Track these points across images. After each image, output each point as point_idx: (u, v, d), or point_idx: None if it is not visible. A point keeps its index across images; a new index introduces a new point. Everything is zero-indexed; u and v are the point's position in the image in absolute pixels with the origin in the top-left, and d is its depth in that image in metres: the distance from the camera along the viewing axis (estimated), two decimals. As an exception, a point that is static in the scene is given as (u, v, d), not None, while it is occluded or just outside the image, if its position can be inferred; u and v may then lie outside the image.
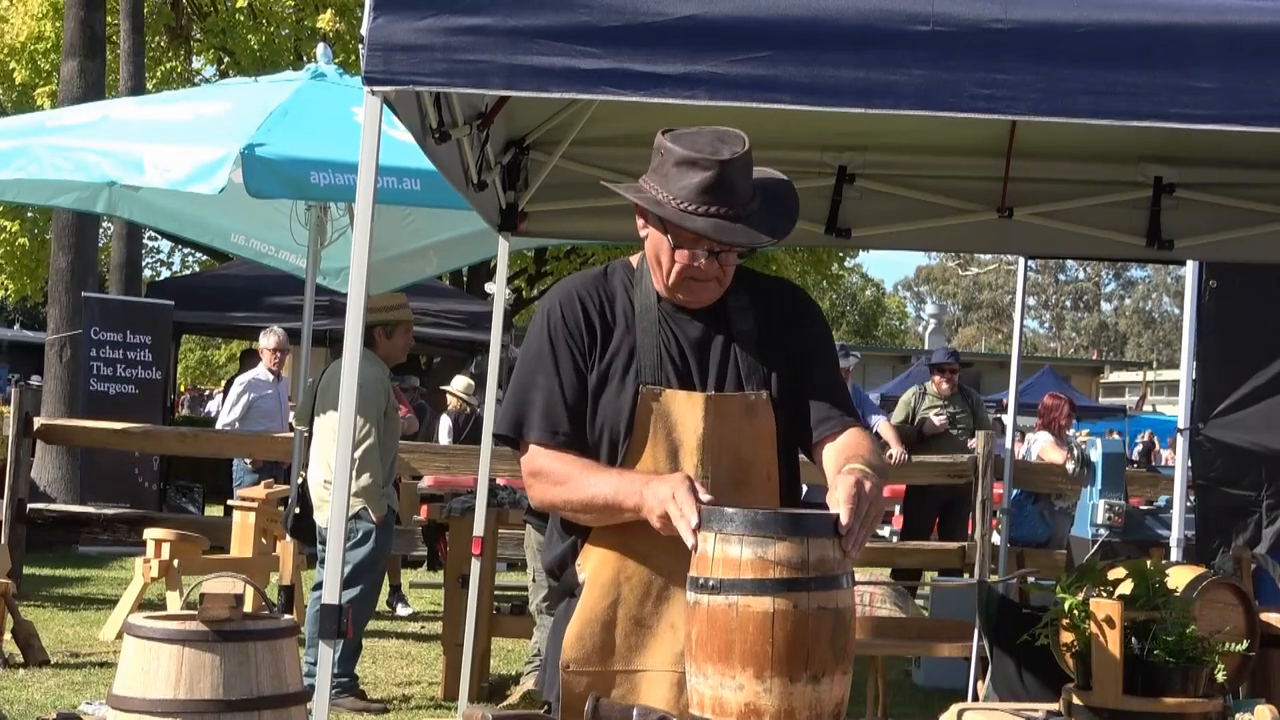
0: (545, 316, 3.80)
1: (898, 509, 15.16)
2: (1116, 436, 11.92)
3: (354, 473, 8.70)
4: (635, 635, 3.66)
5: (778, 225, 3.73)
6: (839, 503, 3.31)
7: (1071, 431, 13.13)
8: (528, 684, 8.15)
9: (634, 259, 3.90)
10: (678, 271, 3.68)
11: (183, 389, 38.46)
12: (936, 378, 14.00)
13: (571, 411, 3.71)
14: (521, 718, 3.32)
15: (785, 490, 3.81)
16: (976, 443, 12.19)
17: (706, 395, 3.70)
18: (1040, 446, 12.96)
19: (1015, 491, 11.81)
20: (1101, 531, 10.22)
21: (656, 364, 3.71)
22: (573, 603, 3.72)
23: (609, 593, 3.67)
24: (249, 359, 22.09)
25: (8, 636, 9.57)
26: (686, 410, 3.68)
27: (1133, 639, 3.64)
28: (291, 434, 10.31)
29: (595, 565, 3.69)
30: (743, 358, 3.77)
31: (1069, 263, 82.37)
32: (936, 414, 13.65)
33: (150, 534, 10.85)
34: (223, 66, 28.58)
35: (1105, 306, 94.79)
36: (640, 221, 3.78)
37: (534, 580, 8.63)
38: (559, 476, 3.69)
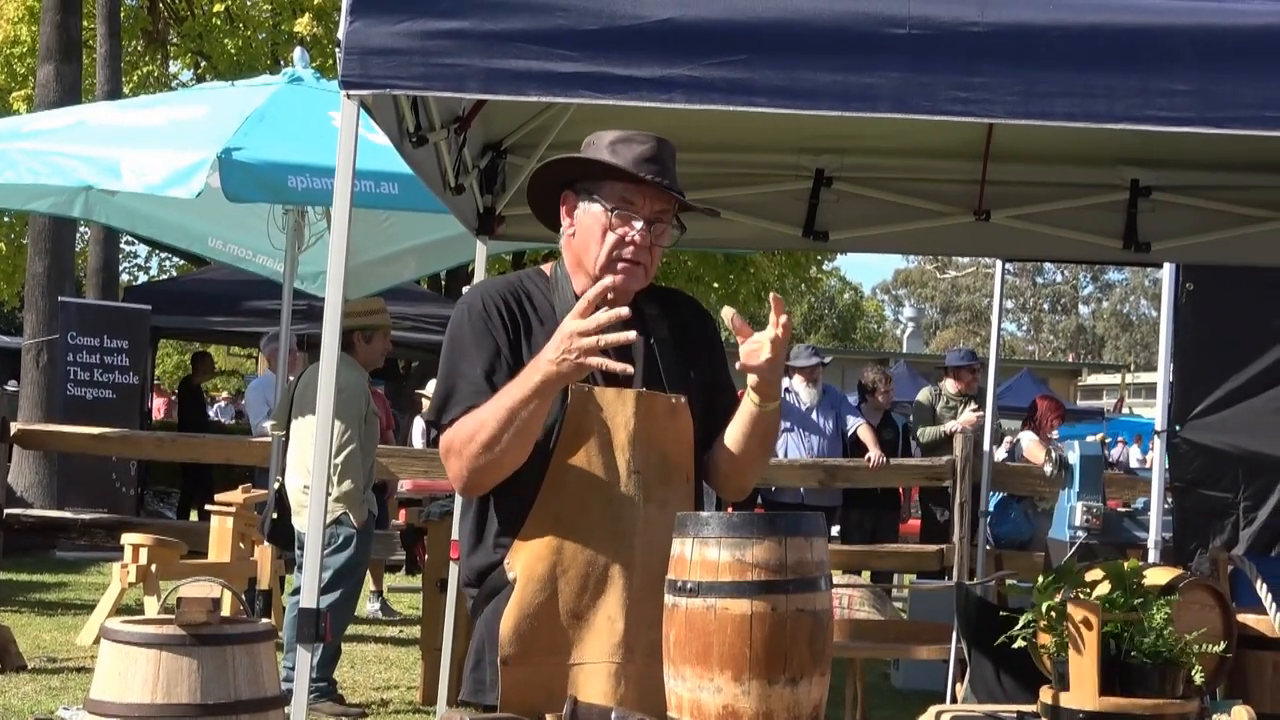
0: (466, 311, 3.82)
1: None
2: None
3: (335, 478, 8.70)
4: (573, 628, 3.67)
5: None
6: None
7: (1054, 435, 13.12)
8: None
9: (546, 267, 3.94)
10: (613, 244, 3.72)
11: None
12: (952, 381, 13.88)
13: (496, 391, 3.67)
14: (499, 721, 3.32)
15: (697, 494, 3.89)
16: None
17: (637, 392, 3.74)
18: (1025, 447, 12.98)
19: (998, 493, 11.84)
20: (1079, 534, 10.23)
21: None
22: (501, 602, 3.71)
23: (545, 587, 3.67)
24: (201, 362, 22.12)
25: (-16, 642, 9.54)
26: (617, 406, 3.72)
27: (1110, 640, 3.64)
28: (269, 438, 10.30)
29: (528, 561, 3.68)
30: (663, 362, 3.83)
31: (1046, 266, 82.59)
32: (973, 409, 13.38)
33: (128, 539, 10.81)
34: (199, 71, 28.52)
35: (1083, 309, 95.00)
36: (566, 220, 3.83)
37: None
38: (469, 429, 3.64)
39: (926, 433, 13.69)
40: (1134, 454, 28.72)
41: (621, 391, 3.72)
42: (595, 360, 3.47)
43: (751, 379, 3.70)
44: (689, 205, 3.83)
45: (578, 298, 3.71)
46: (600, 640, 3.66)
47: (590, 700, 3.56)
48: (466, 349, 3.76)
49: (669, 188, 3.74)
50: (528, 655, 3.65)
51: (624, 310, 3.49)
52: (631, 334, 3.47)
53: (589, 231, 3.76)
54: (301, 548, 8.66)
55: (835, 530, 14.15)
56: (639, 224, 3.73)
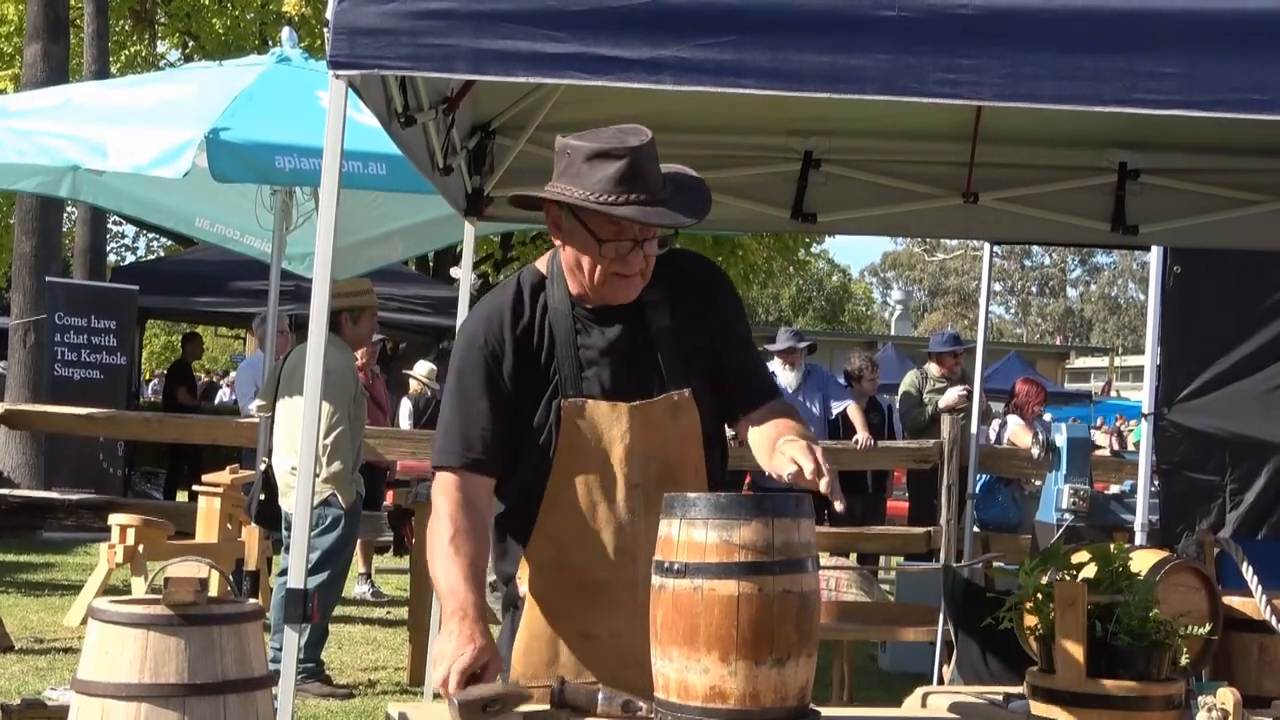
0: (466, 341, 3.79)
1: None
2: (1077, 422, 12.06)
3: (324, 459, 8.70)
4: (581, 646, 3.70)
5: (695, 206, 3.72)
6: (792, 461, 3.38)
7: (1048, 418, 13.13)
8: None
9: (541, 264, 3.87)
10: (603, 270, 3.67)
11: (147, 375, 38.18)
12: (937, 365, 13.83)
13: (487, 434, 3.67)
14: (483, 700, 3.32)
15: (715, 482, 3.82)
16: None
17: (630, 405, 3.70)
18: (1011, 430, 12.99)
19: (986, 476, 11.85)
20: (1066, 516, 10.26)
21: (576, 375, 3.71)
22: (517, 614, 3.74)
23: (551, 608, 3.71)
24: (191, 342, 22.07)
25: (-29, 623, 9.54)
26: (611, 422, 3.69)
27: (1096, 622, 3.65)
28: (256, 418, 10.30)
29: (535, 581, 3.70)
30: (663, 357, 3.77)
31: (1035, 248, 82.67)
32: (960, 391, 13.20)
33: (115, 519, 10.81)
34: (187, 50, 28.46)
35: (1071, 292, 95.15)
36: (553, 229, 3.75)
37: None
38: (435, 528, 3.64)
39: (913, 421, 13.66)
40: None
41: (615, 405, 3.70)
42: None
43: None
44: (662, 226, 3.66)
45: (571, 300, 3.73)
46: (607, 657, 3.68)
47: None
48: (459, 386, 3.74)
49: (653, 218, 3.59)
50: (537, 676, 3.66)
51: None
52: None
53: (580, 250, 3.69)
54: (289, 528, 8.66)
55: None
56: (630, 246, 3.65)
